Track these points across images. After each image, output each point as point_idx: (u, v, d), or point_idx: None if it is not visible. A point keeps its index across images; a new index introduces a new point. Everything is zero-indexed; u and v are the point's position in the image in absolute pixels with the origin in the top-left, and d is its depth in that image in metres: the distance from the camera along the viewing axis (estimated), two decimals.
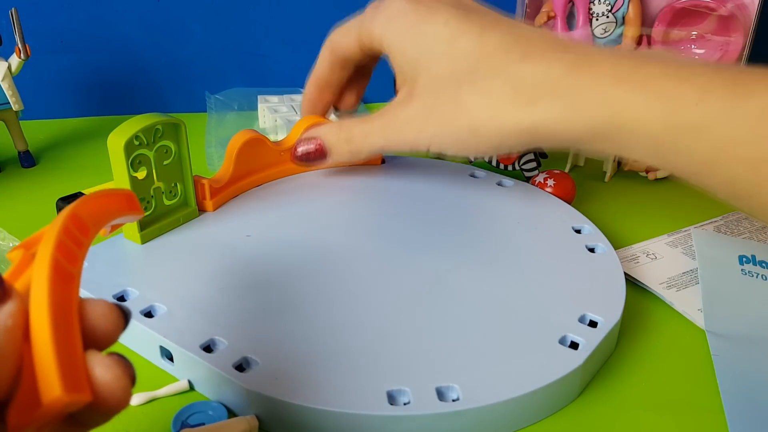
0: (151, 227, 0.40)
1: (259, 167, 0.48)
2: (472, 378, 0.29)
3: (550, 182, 0.49)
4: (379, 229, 0.42)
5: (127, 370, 0.18)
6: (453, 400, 0.28)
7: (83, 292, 0.35)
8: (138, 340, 0.33)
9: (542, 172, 0.51)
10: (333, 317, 0.33)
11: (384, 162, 0.53)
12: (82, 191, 0.47)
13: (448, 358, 0.31)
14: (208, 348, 0.31)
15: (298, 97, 0.65)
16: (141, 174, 0.39)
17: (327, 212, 0.44)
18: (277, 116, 0.60)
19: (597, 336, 0.32)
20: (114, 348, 0.36)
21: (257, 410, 0.29)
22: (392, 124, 0.39)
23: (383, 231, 0.42)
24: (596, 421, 0.31)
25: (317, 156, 0.43)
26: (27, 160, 0.57)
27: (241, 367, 0.30)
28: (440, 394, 0.29)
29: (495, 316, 0.34)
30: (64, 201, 0.46)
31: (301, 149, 0.44)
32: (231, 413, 0.30)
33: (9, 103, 0.54)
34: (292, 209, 0.45)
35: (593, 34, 0.60)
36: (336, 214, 0.44)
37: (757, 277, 0.40)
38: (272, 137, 0.60)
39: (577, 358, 0.31)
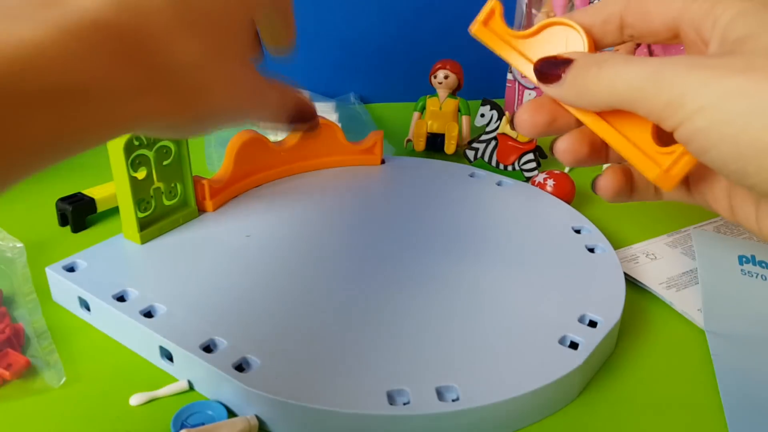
0: (150, 227, 0.40)
1: (259, 167, 0.48)
2: (471, 378, 0.29)
3: (550, 182, 0.49)
4: (378, 230, 0.42)
5: None
6: (453, 400, 0.28)
7: (81, 291, 0.35)
8: (138, 340, 0.33)
9: (542, 172, 0.51)
10: (333, 317, 0.33)
11: (384, 162, 0.53)
12: (82, 191, 0.47)
13: (448, 358, 0.31)
14: (207, 348, 0.31)
15: None
16: (141, 174, 0.39)
17: (327, 213, 0.44)
18: None
19: (597, 336, 0.32)
20: (112, 349, 0.36)
21: (257, 410, 0.29)
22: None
23: (383, 231, 0.42)
24: (596, 421, 0.31)
25: (553, 69, 0.26)
26: None
27: (240, 367, 0.30)
28: (440, 394, 0.29)
29: (495, 316, 0.34)
30: (64, 201, 0.46)
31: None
32: (231, 413, 0.30)
33: None
34: (292, 209, 0.45)
35: None
36: (336, 215, 0.44)
37: (756, 277, 0.40)
38: (272, 137, 0.60)
39: (577, 358, 0.31)
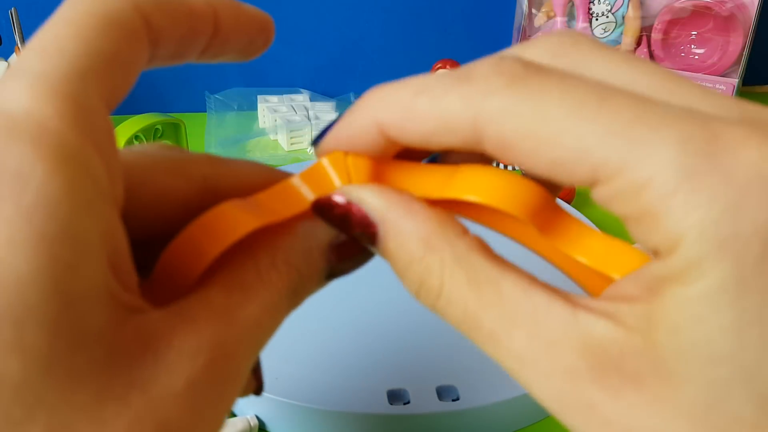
0: None
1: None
2: (471, 378, 0.29)
3: None
4: None
5: None
6: (453, 400, 0.28)
7: None
8: None
9: None
10: (333, 317, 0.33)
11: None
12: None
13: (448, 359, 0.31)
14: None
15: (298, 97, 0.65)
16: None
17: None
18: (276, 116, 0.60)
19: None
20: None
21: (257, 410, 0.29)
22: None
23: None
24: None
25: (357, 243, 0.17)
26: None
27: None
28: (440, 394, 0.29)
29: None
30: None
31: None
32: (231, 413, 0.30)
33: None
34: None
35: (593, 34, 0.60)
36: None
37: None
38: (272, 137, 0.60)
39: None
